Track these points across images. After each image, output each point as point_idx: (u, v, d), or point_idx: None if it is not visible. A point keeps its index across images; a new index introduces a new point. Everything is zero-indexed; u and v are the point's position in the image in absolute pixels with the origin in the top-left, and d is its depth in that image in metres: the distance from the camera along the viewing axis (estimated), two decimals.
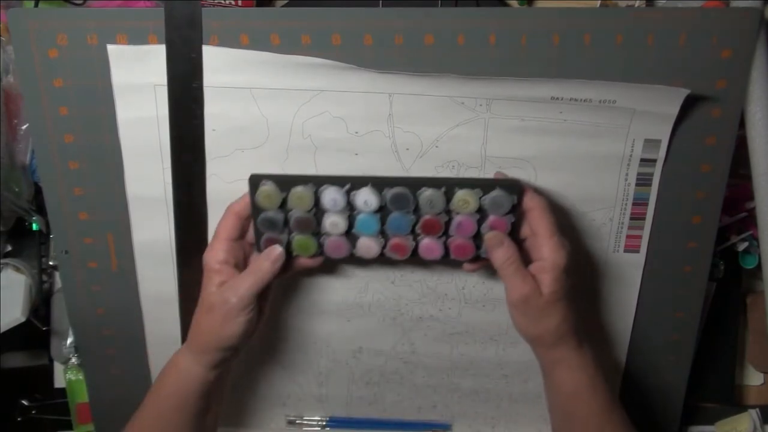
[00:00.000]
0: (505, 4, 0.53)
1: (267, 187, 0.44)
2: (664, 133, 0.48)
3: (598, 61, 0.47)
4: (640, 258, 0.52)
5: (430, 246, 0.46)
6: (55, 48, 0.46)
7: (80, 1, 0.49)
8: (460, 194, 0.44)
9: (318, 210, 0.45)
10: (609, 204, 0.51)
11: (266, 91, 0.47)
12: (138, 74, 0.46)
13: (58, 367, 0.60)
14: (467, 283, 0.53)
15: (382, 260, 0.46)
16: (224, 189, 0.49)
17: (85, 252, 0.51)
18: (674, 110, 0.47)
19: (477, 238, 0.46)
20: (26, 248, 0.57)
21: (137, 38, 0.45)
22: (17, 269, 0.55)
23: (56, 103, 0.47)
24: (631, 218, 0.51)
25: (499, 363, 0.56)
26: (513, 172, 0.49)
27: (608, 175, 0.50)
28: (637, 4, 0.51)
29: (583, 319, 0.46)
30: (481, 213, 0.45)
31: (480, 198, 0.44)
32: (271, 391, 0.58)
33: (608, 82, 0.46)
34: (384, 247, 0.46)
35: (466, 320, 0.55)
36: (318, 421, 0.59)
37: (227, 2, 0.50)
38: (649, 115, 0.47)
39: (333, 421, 0.59)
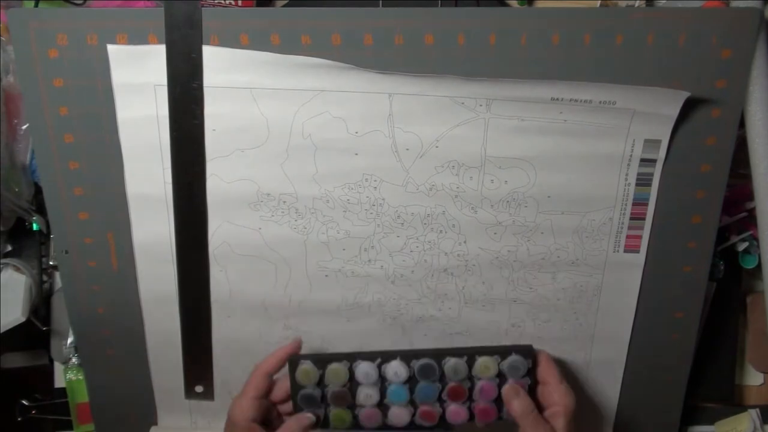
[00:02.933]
0: (505, 4, 0.53)
1: (306, 366, 0.48)
2: (664, 134, 0.48)
3: (598, 62, 0.47)
4: (640, 258, 0.52)
5: (456, 411, 0.49)
6: (55, 48, 0.46)
7: (80, 1, 0.49)
8: (481, 361, 0.48)
9: (352, 384, 0.49)
10: (609, 204, 0.51)
11: (266, 91, 0.47)
12: (138, 74, 0.46)
13: (58, 367, 0.60)
14: (467, 283, 0.53)
15: (412, 426, 0.50)
16: (224, 189, 0.49)
17: (85, 252, 0.51)
18: (674, 112, 0.47)
19: (498, 400, 0.49)
20: (26, 248, 0.57)
21: (137, 38, 0.45)
22: (17, 269, 0.55)
23: (56, 103, 0.47)
24: (631, 218, 0.51)
25: None
26: (513, 172, 0.49)
27: (608, 175, 0.50)
28: (637, 4, 0.51)
29: None
30: (500, 377, 0.49)
31: (499, 363, 0.48)
32: None
33: (608, 84, 0.46)
34: (414, 414, 0.49)
35: (466, 320, 0.54)
36: None
37: (227, 2, 0.50)
38: (649, 115, 0.47)
39: None
